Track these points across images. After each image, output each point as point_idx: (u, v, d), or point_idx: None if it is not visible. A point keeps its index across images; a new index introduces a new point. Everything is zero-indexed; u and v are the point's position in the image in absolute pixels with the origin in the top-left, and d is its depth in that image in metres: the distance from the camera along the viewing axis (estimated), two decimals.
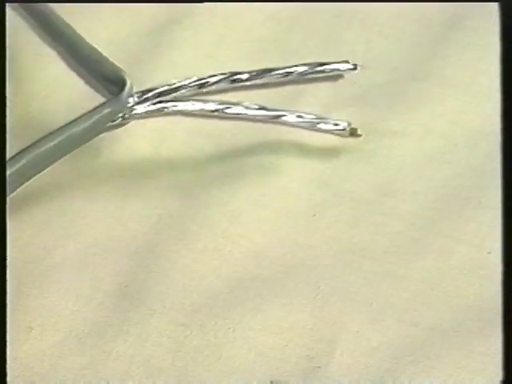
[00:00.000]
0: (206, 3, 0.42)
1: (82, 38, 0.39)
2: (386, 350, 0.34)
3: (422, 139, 0.40)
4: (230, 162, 0.39)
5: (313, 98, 0.40)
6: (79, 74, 0.39)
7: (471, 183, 0.39)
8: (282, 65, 0.39)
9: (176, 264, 0.36)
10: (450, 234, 0.37)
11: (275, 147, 0.39)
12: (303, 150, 0.40)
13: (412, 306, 0.35)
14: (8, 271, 0.34)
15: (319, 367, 0.34)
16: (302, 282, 0.36)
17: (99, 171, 0.38)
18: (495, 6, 0.39)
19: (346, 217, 0.38)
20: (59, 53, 0.40)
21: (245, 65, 0.40)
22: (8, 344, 0.33)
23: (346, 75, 0.39)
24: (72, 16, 0.41)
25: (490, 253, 0.36)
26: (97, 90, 0.38)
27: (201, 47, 0.42)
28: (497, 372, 0.33)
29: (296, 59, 0.40)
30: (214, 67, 0.40)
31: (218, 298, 0.35)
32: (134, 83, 0.37)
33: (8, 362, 0.33)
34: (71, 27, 0.39)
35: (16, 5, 0.41)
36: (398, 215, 0.38)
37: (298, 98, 0.40)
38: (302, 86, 0.40)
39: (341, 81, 0.40)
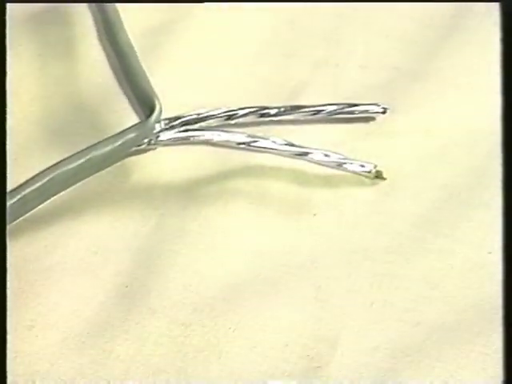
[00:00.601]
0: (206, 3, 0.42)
1: (135, 53, 0.39)
2: (386, 350, 0.34)
3: (423, 139, 0.40)
4: (230, 163, 0.39)
5: (314, 96, 0.40)
6: (120, 84, 0.39)
7: (471, 183, 0.39)
8: (283, 65, 0.40)
9: (176, 264, 0.36)
10: (450, 233, 0.37)
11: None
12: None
13: (412, 306, 0.35)
14: (9, 270, 0.34)
15: (319, 367, 0.34)
16: (302, 282, 0.36)
17: (101, 173, 0.38)
18: (495, 6, 0.40)
19: (346, 217, 0.38)
20: (110, 58, 0.40)
21: (244, 65, 0.40)
22: (8, 343, 0.33)
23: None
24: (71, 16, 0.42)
25: (490, 253, 0.37)
26: (131, 105, 0.39)
27: (200, 47, 0.42)
28: (497, 372, 0.33)
29: (297, 59, 0.41)
30: (213, 67, 0.41)
31: (218, 297, 0.35)
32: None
33: (8, 360, 0.33)
34: (129, 38, 0.40)
35: (92, 5, 0.42)
36: (398, 215, 0.38)
37: (301, 90, 0.41)
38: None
39: (342, 80, 0.40)
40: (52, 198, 0.36)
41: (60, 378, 0.33)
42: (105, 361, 0.34)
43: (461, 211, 0.38)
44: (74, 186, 0.36)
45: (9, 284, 0.34)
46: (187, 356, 0.34)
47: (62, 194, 0.36)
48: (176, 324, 0.35)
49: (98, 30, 0.42)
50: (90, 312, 0.35)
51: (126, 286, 0.36)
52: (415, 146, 0.40)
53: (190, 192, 0.39)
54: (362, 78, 0.41)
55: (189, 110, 0.38)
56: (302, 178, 0.39)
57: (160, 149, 0.38)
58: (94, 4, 0.43)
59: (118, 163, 0.37)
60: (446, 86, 0.41)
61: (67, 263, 0.36)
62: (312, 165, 0.39)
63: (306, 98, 0.40)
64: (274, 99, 0.40)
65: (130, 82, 0.39)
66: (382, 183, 0.39)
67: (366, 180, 0.39)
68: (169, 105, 0.38)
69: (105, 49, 0.41)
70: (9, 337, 0.33)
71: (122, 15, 0.43)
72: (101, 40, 0.42)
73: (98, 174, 0.37)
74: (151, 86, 0.38)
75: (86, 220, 0.37)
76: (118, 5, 0.43)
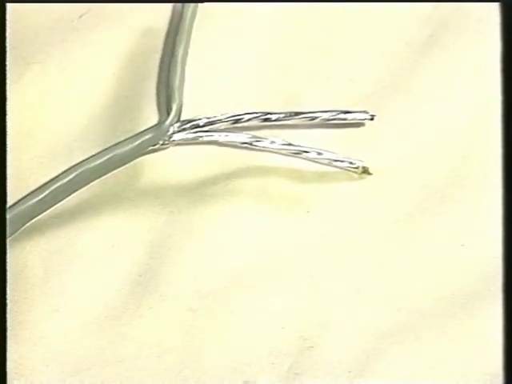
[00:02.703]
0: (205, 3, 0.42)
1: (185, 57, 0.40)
2: (372, 332, 0.36)
3: (403, 146, 0.40)
4: (232, 165, 0.40)
5: (308, 106, 0.41)
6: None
7: (447, 184, 0.40)
8: (280, 77, 0.41)
9: (185, 256, 0.37)
10: (427, 228, 0.38)
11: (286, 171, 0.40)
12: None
13: (394, 294, 0.37)
14: (34, 261, 0.37)
15: (312, 347, 0.35)
16: (296, 272, 0.37)
17: (117, 174, 0.39)
18: (470, 24, 0.42)
19: (336, 215, 0.39)
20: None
21: (245, 77, 0.41)
22: (35, 325, 0.35)
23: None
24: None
25: (463, 245, 0.38)
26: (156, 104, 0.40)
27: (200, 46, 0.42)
28: (470, 351, 0.35)
29: (292, 72, 0.41)
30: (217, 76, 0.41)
31: (222, 285, 0.37)
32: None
33: (35, 340, 0.35)
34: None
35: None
36: (382, 213, 0.39)
37: (297, 99, 0.41)
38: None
39: (333, 91, 0.41)
40: (75, 194, 0.37)
41: (81, 356, 0.35)
42: (121, 342, 0.35)
43: (437, 208, 0.39)
44: (95, 182, 0.37)
45: (36, 272, 0.37)
46: (194, 338, 0.35)
47: (82, 193, 0.38)
48: (184, 309, 0.36)
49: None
50: (107, 298, 0.36)
51: (140, 275, 0.37)
52: (397, 153, 0.40)
53: (197, 191, 0.39)
54: (351, 90, 0.41)
55: (198, 114, 0.39)
56: (297, 176, 0.40)
57: (170, 150, 0.39)
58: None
59: (133, 162, 0.38)
60: (425, 97, 0.41)
61: (88, 255, 0.37)
62: (307, 164, 0.40)
63: (300, 108, 0.41)
64: (273, 108, 0.40)
65: (162, 79, 0.40)
66: (367, 183, 0.40)
67: (355, 175, 0.40)
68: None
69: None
70: (37, 319, 0.35)
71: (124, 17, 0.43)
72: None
73: (114, 175, 0.38)
74: (174, 90, 0.39)
75: (104, 216, 0.38)
76: (118, 5, 0.43)
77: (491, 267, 0.37)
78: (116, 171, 0.38)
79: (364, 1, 0.43)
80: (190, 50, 0.41)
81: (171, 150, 0.40)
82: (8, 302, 0.34)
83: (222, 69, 0.42)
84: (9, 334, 0.34)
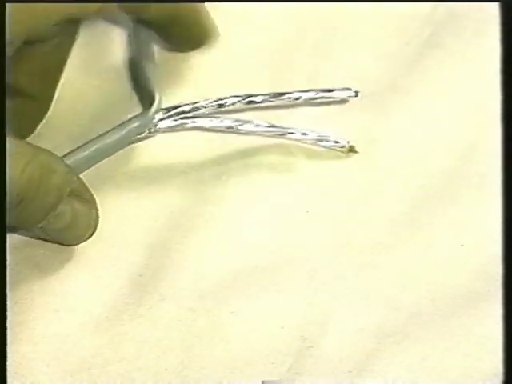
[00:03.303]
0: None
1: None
2: (371, 332, 0.36)
3: (402, 147, 0.41)
4: (232, 164, 0.40)
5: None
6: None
7: (446, 183, 0.40)
8: (281, 77, 0.41)
9: (185, 255, 0.38)
10: (426, 228, 0.39)
11: (276, 150, 0.41)
12: (301, 151, 0.41)
13: (392, 293, 0.37)
14: (32, 261, 0.37)
15: (312, 347, 0.36)
16: (296, 271, 0.37)
17: (117, 174, 0.40)
18: (469, 26, 0.42)
19: (337, 213, 0.39)
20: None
21: (244, 79, 0.41)
22: (35, 325, 0.35)
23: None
24: None
25: (462, 245, 0.38)
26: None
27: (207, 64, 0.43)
28: (469, 351, 0.35)
29: (292, 72, 0.42)
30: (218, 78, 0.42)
31: (221, 285, 0.37)
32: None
33: (36, 340, 0.35)
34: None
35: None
36: (382, 213, 0.39)
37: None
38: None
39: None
40: None
41: (81, 356, 0.35)
42: (121, 342, 0.35)
43: (436, 209, 0.39)
44: (95, 182, 0.37)
45: (35, 273, 0.37)
46: (194, 338, 0.36)
47: None
48: (184, 309, 0.36)
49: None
50: (107, 298, 0.36)
51: (140, 275, 0.37)
52: (395, 154, 0.41)
53: (196, 191, 0.39)
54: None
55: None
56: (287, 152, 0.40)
57: (158, 140, 0.40)
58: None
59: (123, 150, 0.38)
60: (425, 97, 0.42)
61: (88, 254, 0.37)
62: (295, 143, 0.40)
63: (301, 107, 0.41)
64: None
65: (136, 80, 0.41)
66: (367, 183, 0.40)
67: (341, 154, 0.40)
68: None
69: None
70: (37, 318, 0.35)
71: None
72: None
73: (113, 175, 0.39)
74: (152, 82, 0.39)
75: (104, 216, 0.38)
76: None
77: (491, 267, 0.38)
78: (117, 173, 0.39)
79: (364, 1, 0.43)
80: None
81: (160, 143, 0.40)
82: (8, 302, 0.34)
83: (222, 68, 0.42)
84: (9, 334, 0.34)
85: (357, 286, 0.37)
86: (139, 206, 0.39)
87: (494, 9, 0.41)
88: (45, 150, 0.34)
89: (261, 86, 0.41)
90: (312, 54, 0.43)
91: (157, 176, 0.40)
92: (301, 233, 0.39)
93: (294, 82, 0.42)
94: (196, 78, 0.42)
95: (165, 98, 0.39)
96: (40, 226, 0.35)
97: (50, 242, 0.37)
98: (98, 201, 0.37)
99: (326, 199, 0.40)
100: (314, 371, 0.35)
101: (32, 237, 0.37)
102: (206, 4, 0.39)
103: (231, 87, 0.41)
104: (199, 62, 0.43)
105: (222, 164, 0.40)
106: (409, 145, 0.41)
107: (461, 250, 0.38)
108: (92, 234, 0.37)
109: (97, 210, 0.37)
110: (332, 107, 0.41)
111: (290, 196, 0.40)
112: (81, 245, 0.38)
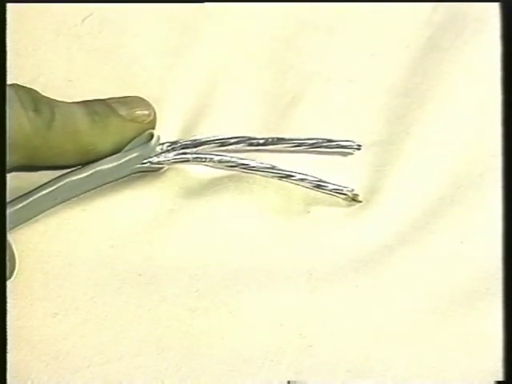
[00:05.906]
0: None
1: None
2: (370, 331, 0.36)
3: (401, 150, 0.40)
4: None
5: (310, 107, 0.41)
6: None
7: (447, 183, 0.40)
8: (281, 79, 0.41)
9: (184, 257, 0.38)
10: (426, 227, 0.39)
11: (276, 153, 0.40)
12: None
13: (392, 291, 0.37)
14: (33, 264, 0.37)
15: (311, 346, 0.36)
16: (295, 270, 0.37)
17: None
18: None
19: (336, 214, 0.39)
20: None
21: (247, 79, 0.41)
22: (35, 327, 0.36)
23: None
24: None
25: (462, 242, 0.38)
26: None
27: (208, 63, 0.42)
28: (469, 350, 0.36)
29: (293, 73, 0.41)
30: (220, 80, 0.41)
31: (220, 284, 0.37)
32: None
33: (35, 342, 0.35)
34: None
35: None
36: (381, 212, 0.39)
37: (297, 101, 0.41)
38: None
39: (333, 92, 0.41)
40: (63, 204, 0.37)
41: (81, 355, 0.35)
42: (120, 341, 0.36)
43: (435, 208, 0.39)
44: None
45: (35, 277, 0.37)
46: (193, 337, 0.36)
47: (82, 196, 0.38)
48: (183, 309, 0.36)
49: None
50: (107, 298, 0.36)
51: (140, 275, 0.37)
52: (395, 156, 0.40)
53: (195, 191, 0.39)
54: (351, 92, 0.41)
55: (195, 114, 0.40)
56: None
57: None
58: None
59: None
60: (425, 98, 0.41)
61: (87, 255, 0.37)
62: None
63: (302, 109, 0.41)
64: (274, 110, 0.41)
65: None
66: (368, 185, 0.39)
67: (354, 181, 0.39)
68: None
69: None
70: (36, 323, 0.36)
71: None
72: None
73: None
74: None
75: (103, 218, 0.38)
76: (119, 5, 0.41)
77: (490, 265, 0.38)
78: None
79: (364, 1, 0.43)
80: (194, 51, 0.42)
81: None
82: (8, 304, 0.35)
83: (222, 68, 0.42)
84: (9, 335, 0.34)
85: (356, 284, 0.37)
86: (138, 206, 0.39)
87: (494, 9, 0.41)
88: None
89: (261, 88, 0.41)
90: (311, 55, 0.42)
91: (156, 175, 0.40)
92: (300, 233, 0.39)
93: (297, 84, 0.42)
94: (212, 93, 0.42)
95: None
96: None
97: None
98: (97, 201, 0.38)
99: (325, 199, 0.40)
100: (312, 370, 0.35)
101: None
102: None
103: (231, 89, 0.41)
104: None
105: (227, 178, 0.40)
106: (408, 148, 0.41)
107: (461, 249, 0.38)
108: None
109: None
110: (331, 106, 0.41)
111: (290, 196, 0.40)
112: (80, 245, 0.38)
